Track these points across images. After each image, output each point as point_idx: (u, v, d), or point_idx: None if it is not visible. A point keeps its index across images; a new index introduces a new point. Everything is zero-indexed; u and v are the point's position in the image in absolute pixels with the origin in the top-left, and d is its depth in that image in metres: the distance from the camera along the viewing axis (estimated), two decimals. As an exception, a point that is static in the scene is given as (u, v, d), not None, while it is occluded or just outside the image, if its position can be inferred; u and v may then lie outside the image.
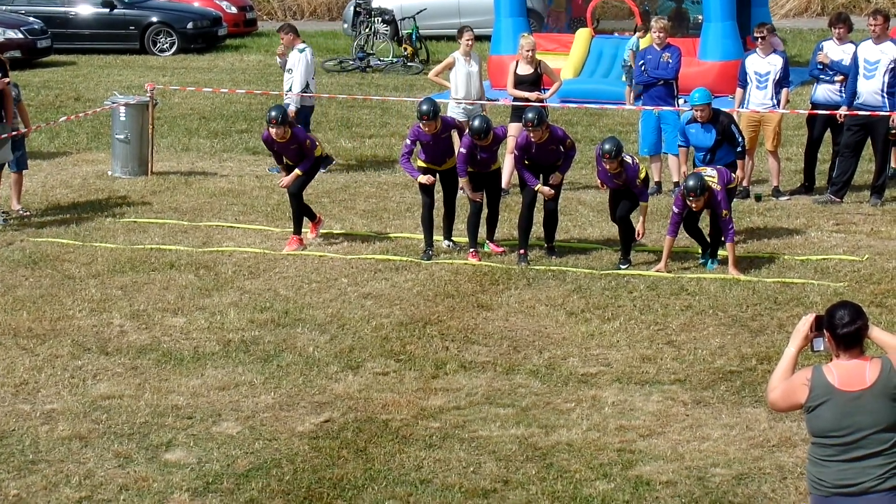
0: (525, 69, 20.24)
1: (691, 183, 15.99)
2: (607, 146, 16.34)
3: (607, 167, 16.67)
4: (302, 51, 22.51)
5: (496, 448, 11.34)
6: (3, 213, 19.43)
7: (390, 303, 15.18)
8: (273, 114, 16.81)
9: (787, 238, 17.95)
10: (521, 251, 17.04)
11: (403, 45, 36.94)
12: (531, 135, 16.76)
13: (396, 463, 11.21)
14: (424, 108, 16.97)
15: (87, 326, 14.60)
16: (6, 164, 19.52)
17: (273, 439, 11.36)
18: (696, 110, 17.01)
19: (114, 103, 22.68)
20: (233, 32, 44.39)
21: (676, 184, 20.21)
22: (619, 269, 16.50)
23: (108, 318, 14.73)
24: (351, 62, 36.08)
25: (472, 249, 17.12)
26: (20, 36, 37.09)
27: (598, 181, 17.85)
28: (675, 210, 16.34)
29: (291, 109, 21.87)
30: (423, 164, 17.78)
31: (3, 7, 41.87)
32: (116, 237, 18.39)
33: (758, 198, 19.96)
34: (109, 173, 22.41)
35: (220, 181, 22.11)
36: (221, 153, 24.66)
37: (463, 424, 11.94)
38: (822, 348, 7.15)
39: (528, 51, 20.33)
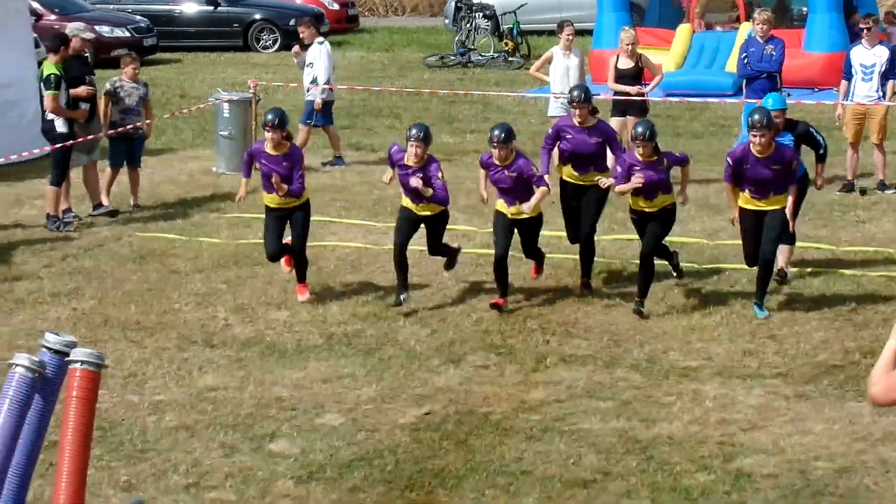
0: (626, 63, 20.23)
1: (756, 116, 14.04)
2: (640, 128, 14.63)
3: (640, 153, 14.75)
4: (321, 43, 22.87)
5: (596, 441, 11.39)
6: (108, 209, 19.66)
7: (491, 297, 15.22)
8: (270, 116, 14.22)
9: (892, 232, 17.77)
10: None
11: (504, 41, 37.10)
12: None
13: (497, 454, 11.27)
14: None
15: (192, 320, 14.86)
16: (124, 163, 19.86)
17: (375, 430, 11.49)
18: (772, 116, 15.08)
19: (217, 100, 23.09)
20: (335, 29, 44.58)
21: None
22: (640, 311, 14.65)
23: (212, 311, 15.01)
24: (452, 57, 36.33)
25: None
26: (127, 34, 37.76)
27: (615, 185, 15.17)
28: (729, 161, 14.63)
29: (318, 102, 22.52)
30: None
31: (111, 6, 42.77)
32: (221, 232, 18.70)
33: (863, 191, 19.80)
34: (214, 169, 22.78)
35: (323, 177, 22.33)
36: (323, 149, 24.85)
37: (563, 417, 11.99)
38: None
39: (628, 45, 20.32)
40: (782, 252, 15.30)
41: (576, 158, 15.47)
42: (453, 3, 41.34)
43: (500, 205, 14.90)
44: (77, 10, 39.77)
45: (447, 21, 42.23)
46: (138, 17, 40.51)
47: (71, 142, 18.89)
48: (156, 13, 41.76)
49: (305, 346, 13.94)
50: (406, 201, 14.99)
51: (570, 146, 15.34)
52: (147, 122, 20.45)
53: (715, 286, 15.65)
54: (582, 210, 15.60)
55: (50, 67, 19.16)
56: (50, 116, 19.18)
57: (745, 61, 20.41)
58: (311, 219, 16.56)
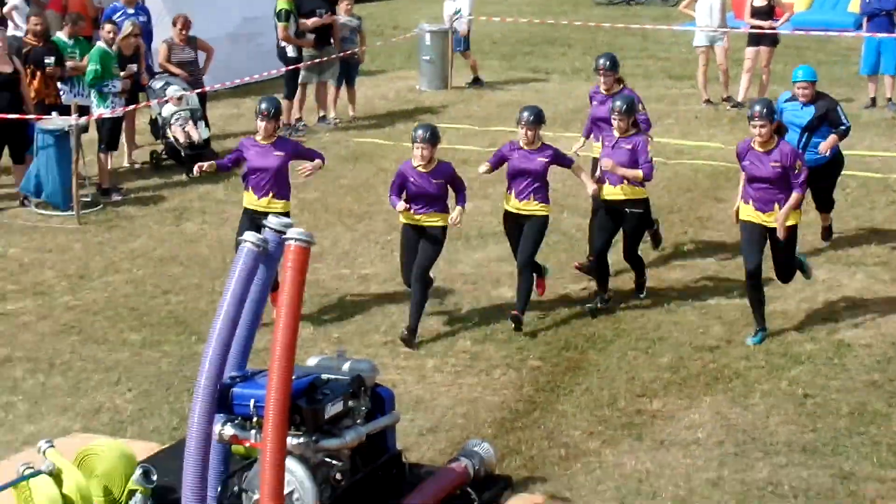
0: (760, 1, 19.82)
1: (757, 106, 10.73)
2: (618, 101, 11.50)
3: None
4: None
5: (722, 314, 11.57)
6: (334, 118, 19.97)
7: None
8: (264, 105, 10.82)
9: None
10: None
11: None
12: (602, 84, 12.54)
13: (639, 324, 11.49)
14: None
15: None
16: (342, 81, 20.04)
17: (539, 302, 11.69)
18: (798, 87, 12.57)
19: (421, 30, 23.12)
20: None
21: (889, 99, 19.91)
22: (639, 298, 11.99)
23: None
24: None
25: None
26: None
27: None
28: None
29: (464, 29, 22.51)
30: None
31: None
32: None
33: None
34: (417, 87, 22.86)
35: (506, 94, 22.27)
36: (508, 71, 24.82)
37: (696, 295, 12.14)
38: None
39: None
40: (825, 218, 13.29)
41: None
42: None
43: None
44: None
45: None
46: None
47: (300, 64, 19.11)
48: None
49: (486, 232, 14.09)
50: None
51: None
52: (361, 48, 20.58)
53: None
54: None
55: (282, 3, 19.27)
56: (282, 44, 19.45)
57: (868, 0, 19.86)
58: (497, 129, 16.18)
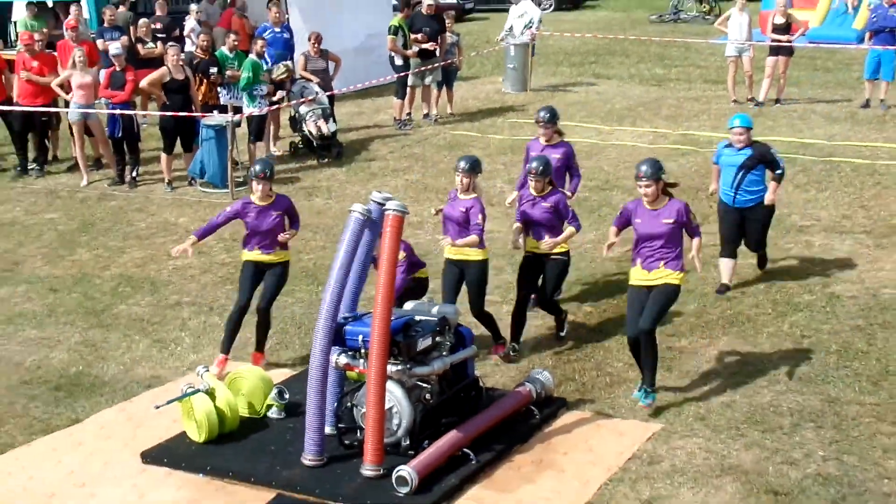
0: (779, 20, 19.43)
1: (643, 167, 8.67)
2: (535, 163, 9.46)
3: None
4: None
5: (739, 271, 11.32)
6: (435, 115, 19.77)
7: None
8: (258, 168, 9.06)
9: None
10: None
11: (703, 3, 35.62)
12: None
13: None
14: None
15: (484, 187, 14.85)
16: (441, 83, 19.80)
17: (591, 272, 11.51)
18: (734, 133, 10.79)
19: (507, 44, 22.83)
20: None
21: (882, 101, 19.37)
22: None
23: (494, 183, 14.98)
24: (667, 16, 35.11)
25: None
26: (454, 0, 37.12)
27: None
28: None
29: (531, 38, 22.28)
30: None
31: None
32: (503, 131, 18.67)
33: None
34: (502, 90, 22.66)
35: (574, 95, 22.02)
36: (577, 76, 24.51)
37: (715, 255, 11.74)
38: None
39: (782, 6, 19.54)
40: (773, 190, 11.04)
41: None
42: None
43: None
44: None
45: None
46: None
47: (405, 72, 18.92)
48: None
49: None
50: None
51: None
52: (459, 58, 20.41)
53: (828, 175, 15.12)
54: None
55: (395, 21, 19.14)
56: (390, 54, 19.30)
57: (874, 18, 19.32)
58: (567, 123, 15.25)
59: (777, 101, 19.93)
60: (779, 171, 10.69)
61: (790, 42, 19.54)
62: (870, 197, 14.30)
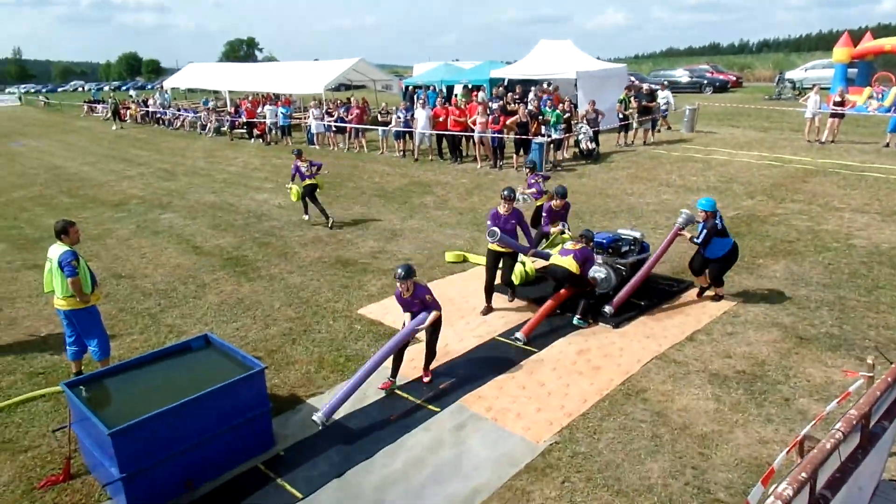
0: (838, 98, 19.02)
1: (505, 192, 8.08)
2: (505, 191, 8.46)
3: (502, 208, 8.60)
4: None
5: (790, 233, 11.29)
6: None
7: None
8: (399, 271, 7.33)
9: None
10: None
11: (795, 90, 33.15)
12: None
13: (763, 230, 11.49)
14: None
15: (641, 204, 13.37)
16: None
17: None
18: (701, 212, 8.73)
19: (686, 108, 22.55)
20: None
21: None
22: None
23: (646, 196, 14.15)
24: (773, 96, 32.52)
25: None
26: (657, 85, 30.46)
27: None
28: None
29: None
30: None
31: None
32: (679, 151, 18.72)
33: None
34: (682, 130, 22.62)
35: (717, 135, 21.50)
36: (719, 126, 23.53)
37: (787, 219, 11.86)
38: None
39: (839, 91, 19.24)
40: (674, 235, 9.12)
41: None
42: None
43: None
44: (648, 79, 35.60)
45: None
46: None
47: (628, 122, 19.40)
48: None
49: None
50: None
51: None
52: (662, 114, 20.23)
53: (858, 181, 14.30)
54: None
55: (621, 97, 19.99)
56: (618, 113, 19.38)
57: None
58: (710, 148, 15.79)
59: (832, 141, 19.73)
60: (697, 240, 8.72)
61: (843, 111, 19.69)
62: (883, 195, 13.59)
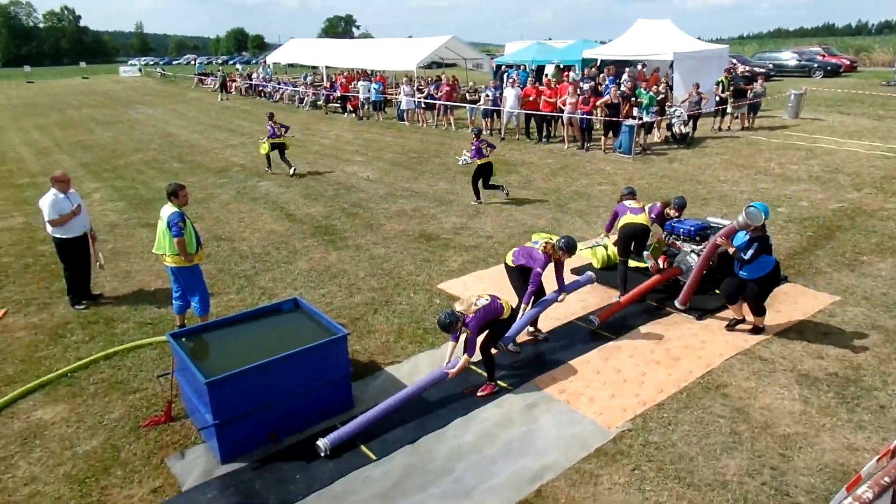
0: None
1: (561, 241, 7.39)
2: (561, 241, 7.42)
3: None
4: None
5: (815, 213, 11.28)
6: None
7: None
8: (441, 318, 6.49)
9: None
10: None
11: None
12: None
13: (817, 221, 11.45)
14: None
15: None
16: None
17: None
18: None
19: (791, 93, 21.93)
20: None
21: None
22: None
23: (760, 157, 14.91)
24: (892, 82, 32.11)
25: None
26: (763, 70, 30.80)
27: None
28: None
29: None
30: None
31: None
32: (780, 138, 18.12)
33: None
34: (784, 116, 21.59)
35: (824, 123, 20.75)
36: (827, 113, 23.01)
37: (830, 220, 11.60)
38: None
39: None
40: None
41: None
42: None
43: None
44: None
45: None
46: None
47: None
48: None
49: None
50: None
51: None
52: (761, 99, 19.51)
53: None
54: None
55: (721, 78, 19.44)
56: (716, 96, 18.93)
57: None
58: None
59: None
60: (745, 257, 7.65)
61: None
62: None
